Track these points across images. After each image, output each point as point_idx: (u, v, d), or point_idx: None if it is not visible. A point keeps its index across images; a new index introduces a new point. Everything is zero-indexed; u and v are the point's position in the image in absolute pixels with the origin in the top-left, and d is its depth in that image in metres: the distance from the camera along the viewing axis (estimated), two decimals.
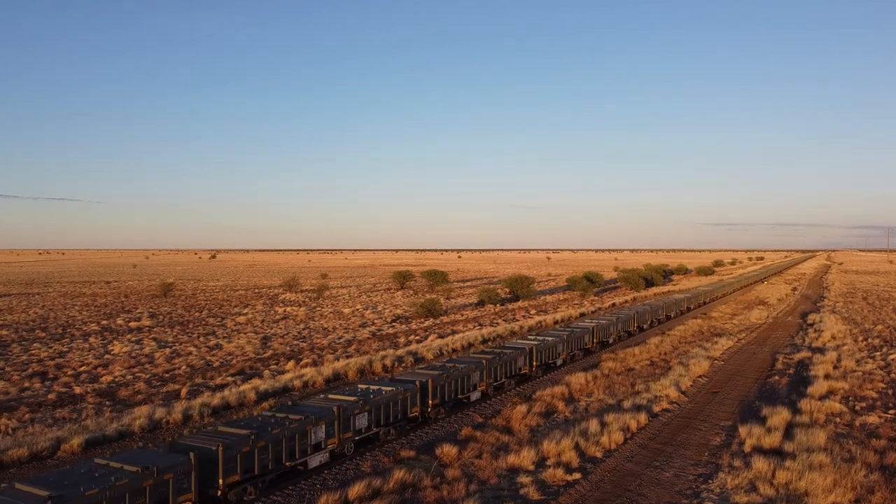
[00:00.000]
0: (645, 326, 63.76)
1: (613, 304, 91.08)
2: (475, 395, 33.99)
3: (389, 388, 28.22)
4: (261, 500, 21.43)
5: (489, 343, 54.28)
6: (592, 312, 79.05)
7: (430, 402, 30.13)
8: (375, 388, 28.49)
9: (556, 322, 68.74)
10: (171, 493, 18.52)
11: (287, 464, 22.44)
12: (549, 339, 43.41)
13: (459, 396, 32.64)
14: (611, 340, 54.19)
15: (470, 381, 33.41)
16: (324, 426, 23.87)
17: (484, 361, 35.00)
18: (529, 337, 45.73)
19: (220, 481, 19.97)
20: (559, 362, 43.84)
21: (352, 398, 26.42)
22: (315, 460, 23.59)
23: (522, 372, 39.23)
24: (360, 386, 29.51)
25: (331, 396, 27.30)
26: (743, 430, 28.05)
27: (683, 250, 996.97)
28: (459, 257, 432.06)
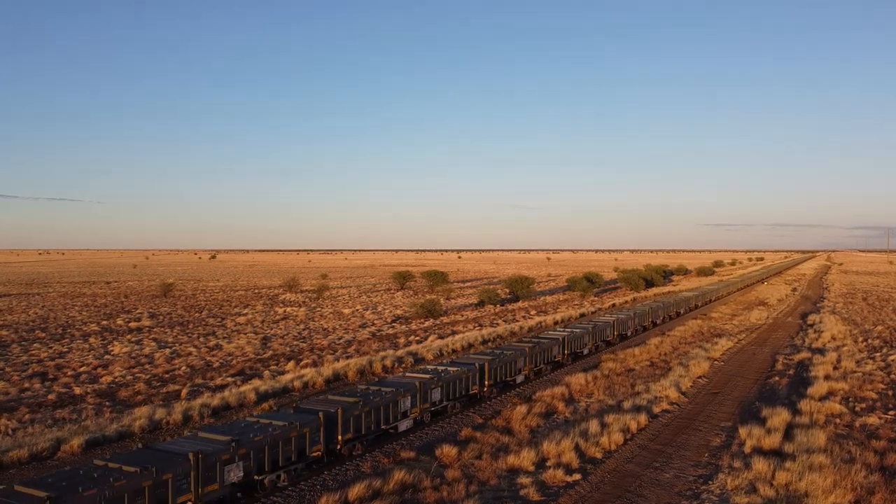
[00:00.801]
0: (658, 322, 68.50)
1: (613, 305, 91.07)
2: (520, 378, 38.45)
3: (455, 369, 32.69)
4: (364, 455, 26.07)
5: (489, 343, 54.35)
6: (593, 313, 79.04)
7: (487, 382, 34.70)
8: (443, 368, 32.92)
9: (555, 322, 68.77)
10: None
11: (383, 427, 26.98)
12: (577, 330, 47.92)
13: (507, 378, 37.14)
14: (629, 333, 58.77)
15: (516, 365, 37.92)
16: (409, 398, 28.49)
17: (527, 349, 39.44)
18: (559, 329, 50.45)
19: (339, 437, 24.59)
20: (586, 351, 48.48)
21: (427, 376, 30.96)
22: (403, 425, 28.24)
23: (556, 359, 43.71)
24: (427, 367, 34.11)
25: (408, 375, 31.99)
26: (743, 431, 28.06)
27: (683, 251, 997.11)
28: (459, 258, 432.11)
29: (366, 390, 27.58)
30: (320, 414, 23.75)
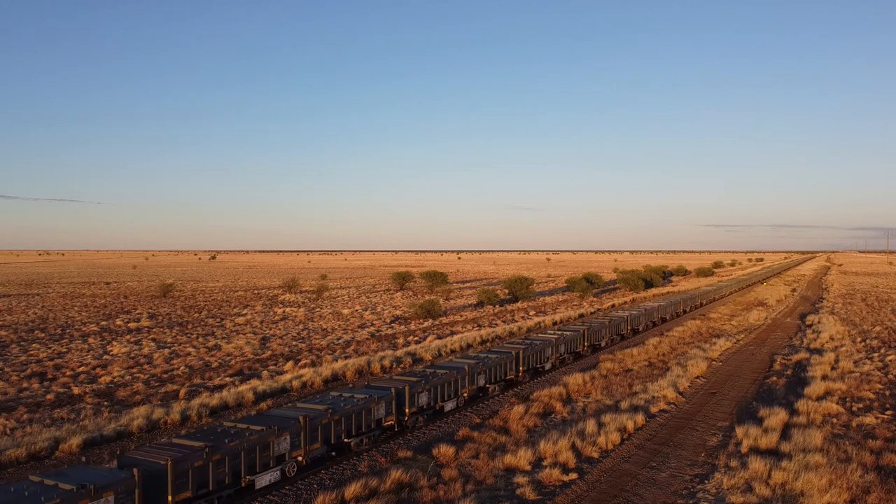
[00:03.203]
0: (667, 318, 72.00)
1: (613, 306, 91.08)
2: (548, 365, 42.50)
3: (494, 356, 36.64)
4: (425, 427, 30.03)
5: (487, 344, 54.42)
6: (592, 313, 79.07)
7: (521, 368, 38.75)
8: (484, 355, 36.81)
9: (553, 323, 68.78)
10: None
11: (438, 405, 31.10)
12: (595, 324, 52.00)
13: (537, 366, 41.05)
14: (640, 328, 62.28)
15: (545, 354, 41.96)
16: (460, 380, 32.65)
17: (554, 339, 43.62)
18: (579, 323, 54.25)
19: (406, 410, 28.68)
20: (603, 343, 52.77)
21: (473, 361, 34.84)
22: (450, 405, 32.14)
23: (577, 350, 47.65)
24: (470, 354, 38.38)
25: (456, 360, 35.80)
26: (740, 431, 28.10)
27: (683, 251, 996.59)
28: (459, 258, 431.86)
29: (423, 372, 32.04)
30: (392, 390, 28.33)
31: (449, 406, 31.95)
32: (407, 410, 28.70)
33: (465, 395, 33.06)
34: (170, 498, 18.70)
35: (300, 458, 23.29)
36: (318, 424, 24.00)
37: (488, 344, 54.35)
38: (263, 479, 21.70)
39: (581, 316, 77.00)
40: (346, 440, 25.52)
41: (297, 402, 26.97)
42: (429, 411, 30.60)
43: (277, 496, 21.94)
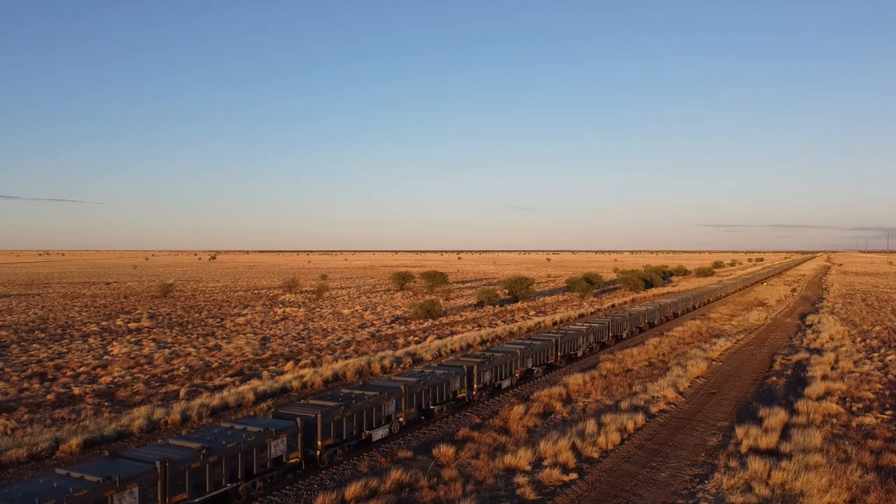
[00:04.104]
0: (679, 313, 76.63)
1: (613, 305, 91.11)
2: (580, 353, 47.77)
3: (539, 343, 41.51)
4: (486, 401, 34.85)
5: (487, 343, 54.44)
6: (592, 314, 79.10)
7: (558, 354, 43.82)
8: (529, 342, 41.74)
9: (553, 323, 68.82)
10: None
11: (497, 383, 35.85)
12: (618, 317, 56.74)
13: (571, 353, 46.25)
14: (656, 322, 67.52)
15: (577, 343, 47.28)
16: (513, 361, 37.62)
17: (584, 329, 48.96)
18: (604, 317, 57.99)
19: (475, 385, 33.68)
20: (625, 335, 57.24)
21: (522, 347, 39.58)
22: (506, 382, 37.04)
23: (603, 341, 52.42)
24: (516, 341, 43.83)
25: (507, 346, 40.45)
26: (740, 431, 28.13)
27: (683, 251, 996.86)
28: (459, 258, 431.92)
29: (483, 354, 36.85)
30: (464, 367, 33.38)
31: (505, 384, 36.95)
32: (476, 386, 33.69)
33: (517, 375, 38.23)
34: (319, 443, 23.96)
35: (401, 419, 28.32)
36: (413, 392, 29.08)
37: (488, 343, 54.36)
38: (378, 434, 27.01)
39: (581, 316, 77.02)
40: (431, 407, 30.38)
41: (392, 376, 33.16)
42: (490, 388, 35.43)
43: (277, 496, 21.99)
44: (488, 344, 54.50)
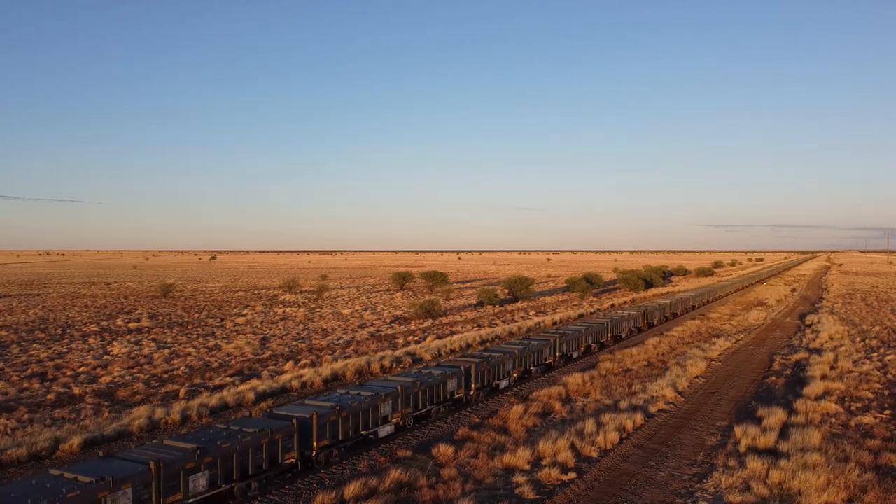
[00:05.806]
0: (678, 313, 77.14)
1: (613, 305, 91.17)
2: (576, 354, 47.97)
3: (536, 343, 42.07)
4: (482, 401, 34.92)
5: (487, 343, 54.49)
6: (591, 314, 79.16)
7: (556, 354, 44.23)
8: (527, 342, 42.25)
9: (553, 323, 68.87)
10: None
11: (495, 383, 36.26)
12: (616, 317, 57.36)
13: (569, 353, 46.63)
14: (655, 322, 68.36)
15: (576, 343, 47.83)
16: (511, 362, 38.06)
17: (583, 330, 49.30)
18: (603, 318, 58.40)
19: (473, 385, 34.04)
20: (624, 335, 57.97)
21: (521, 347, 40.12)
22: (503, 383, 37.24)
23: (602, 341, 52.91)
24: (514, 341, 44.77)
25: (505, 346, 40.75)
26: (738, 431, 28.18)
27: (683, 251, 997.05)
28: (459, 258, 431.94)
29: (481, 354, 37.37)
30: (461, 367, 34.04)
31: (503, 384, 37.15)
32: (473, 386, 33.96)
33: (515, 375, 38.52)
34: (315, 444, 24.20)
35: (398, 420, 28.36)
36: (410, 393, 29.21)
37: (488, 343, 54.41)
38: (376, 434, 27.32)
39: (581, 316, 77.09)
40: (428, 407, 30.65)
41: (389, 376, 33.03)
42: (487, 388, 35.64)
43: (277, 495, 22.04)
44: (488, 344, 54.55)
